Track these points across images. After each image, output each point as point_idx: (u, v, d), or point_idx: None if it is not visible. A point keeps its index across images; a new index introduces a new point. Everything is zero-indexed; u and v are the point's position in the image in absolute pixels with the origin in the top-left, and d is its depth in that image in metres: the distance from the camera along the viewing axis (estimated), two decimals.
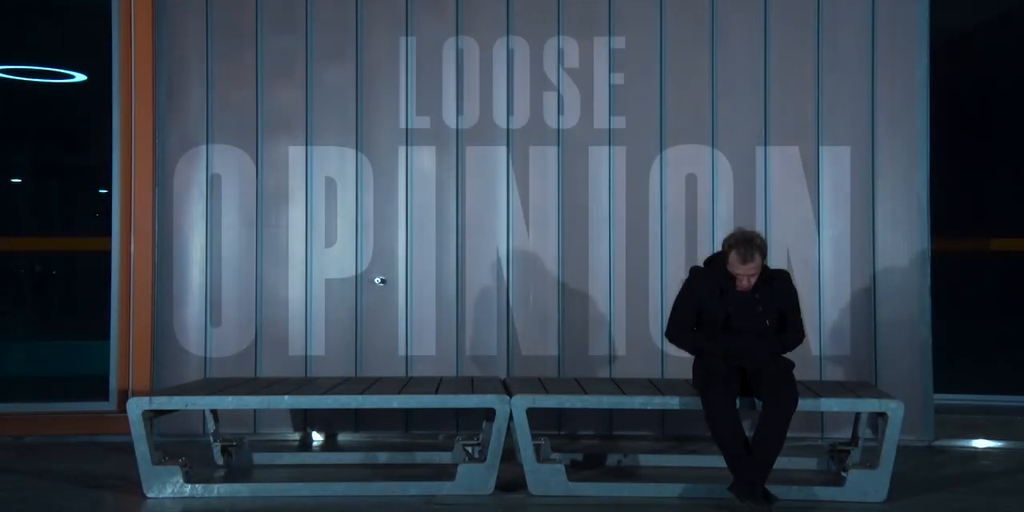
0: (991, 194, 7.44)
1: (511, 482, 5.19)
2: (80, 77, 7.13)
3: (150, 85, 6.57)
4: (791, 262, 6.34)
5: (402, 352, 6.48)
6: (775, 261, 5.93)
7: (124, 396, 6.22)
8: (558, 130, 6.53)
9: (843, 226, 6.43)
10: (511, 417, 5.04)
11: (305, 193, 6.55)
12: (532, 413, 5.10)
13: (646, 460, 5.74)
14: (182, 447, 5.89)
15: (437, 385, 5.47)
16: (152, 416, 5.05)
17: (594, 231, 6.50)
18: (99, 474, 5.51)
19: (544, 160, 6.53)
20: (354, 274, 6.52)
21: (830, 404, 5.04)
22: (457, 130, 6.54)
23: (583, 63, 6.54)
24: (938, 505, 4.90)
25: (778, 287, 5.00)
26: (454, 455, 5.66)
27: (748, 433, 4.92)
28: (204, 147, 6.55)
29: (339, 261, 6.53)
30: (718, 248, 5.16)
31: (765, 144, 6.48)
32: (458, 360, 6.48)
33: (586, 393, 5.20)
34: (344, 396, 5.12)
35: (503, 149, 6.53)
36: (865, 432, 5.51)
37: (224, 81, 6.56)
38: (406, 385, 5.48)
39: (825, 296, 6.41)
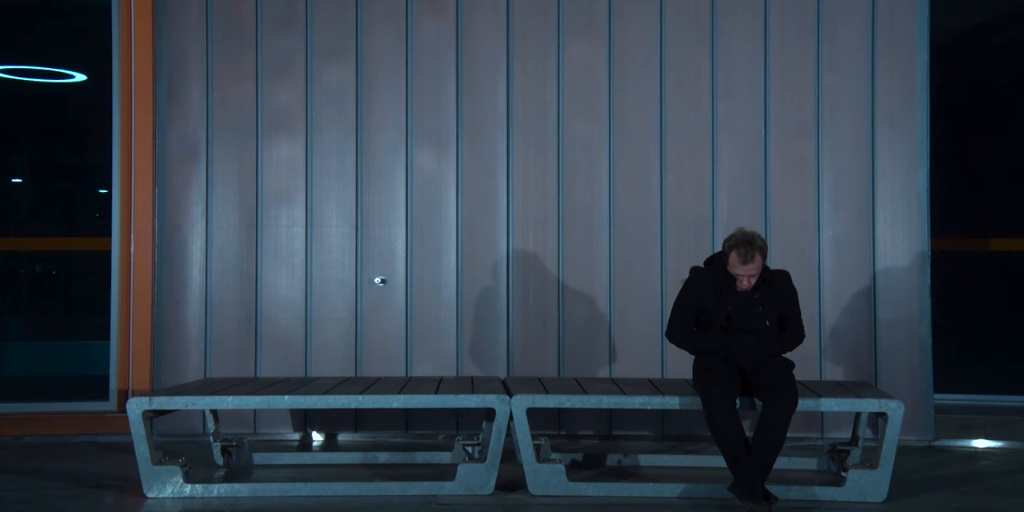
0: (991, 194, 7.44)
1: (511, 482, 5.19)
2: (80, 77, 7.13)
3: (150, 85, 6.58)
4: (791, 262, 6.33)
5: (402, 352, 6.49)
6: (775, 261, 5.93)
7: (124, 396, 6.23)
8: (558, 130, 6.53)
9: (843, 226, 6.44)
10: (511, 417, 5.05)
11: (305, 193, 6.55)
12: (532, 413, 5.10)
13: (646, 460, 5.74)
14: (182, 447, 5.90)
15: (437, 385, 5.47)
16: (152, 416, 5.05)
17: (594, 231, 6.50)
18: (99, 474, 5.51)
19: (544, 160, 6.53)
20: (354, 274, 6.52)
21: (830, 404, 5.04)
22: (457, 130, 6.55)
23: (583, 63, 6.54)
24: (938, 505, 4.90)
25: (778, 287, 5.00)
26: (454, 455, 5.67)
27: (748, 433, 4.92)
28: (204, 147, 6.55)
29: (339, 261, 6.53)
30: (718, 248, 5.16)
31: (765, 144, 6.48)
32: (458, 360, 6.48)
33: (586, 393, 5.20)
34: (344, 396, 5.12)
35: (503, 149, 6.53)
36: (865, 432, 5.52)
37: (224, 81, 6.56)
38: (406, 385, 5.48)
39: (825, 296, 6.41)
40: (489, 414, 5.24)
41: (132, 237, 6.58)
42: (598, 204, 6.51)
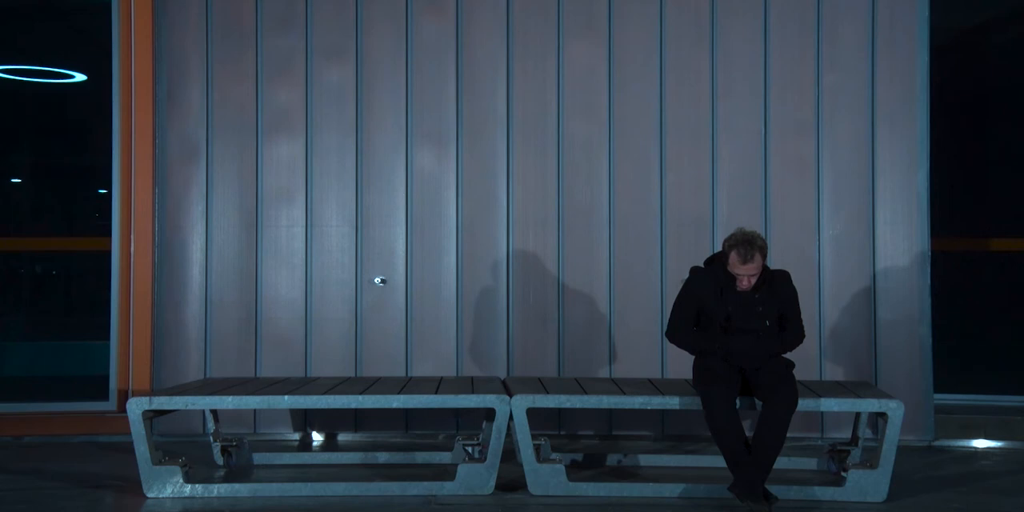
0: (991, 194, 7.44)
1: (511, 482, 5.19)
2: (80, 77, 7.13)
3: (150, 85, 6.58)
4: (791, 262, 6.33)
5: (402, 352, 6.49)
6: (775, 261, 5.93)
7: (124, 396, 6.23)
8: (558, 130, 6.53)
9: (843, 226, 6.44)
10: (511, 417, 5.05)
11: (305, 193, 6.55)
12: (532, 413, 5.10)
13: (646, 460, 5.74)
14: (182, 447, 5.90)
15: (437, 385, 5.47)
16: (152, 416, 5.05)
17: (594, 231, 6.50)
18: (99, 474, 5.51)
19: (544, 160, 6.53)
20: (354, 274, 6.52)
21: (830, 404, 5.04)
22: (457, 130, 6.55)
23: (583, 63, 6.54)
24: (938, 505, 4.90)
25: (778, 287, 4.99)
26: (454, 455, 5.67)
27: (748, 433, 4.92)
28: (204, 147, 6.55)
29: (339, 261, 6.53)
30: (718, 248, 5.16)
31: (765, 144, 6.48)
32: (458, 360, 6.48)
33: (586, 393, 5.20)
34: (344, 396, 5.12)
35: (503, 149, 6.53)
36: (865, 432, 5.52)
37: (224, 81, 6.56)
38: (406, 385, 5.48)
39: (825, 296, 6.41)
40: (489, 414, 5.24)
41: (132, 237, 6.58)
42: (598, 204, 6.51)
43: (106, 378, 6.59)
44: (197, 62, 6.56)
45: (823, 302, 6.40)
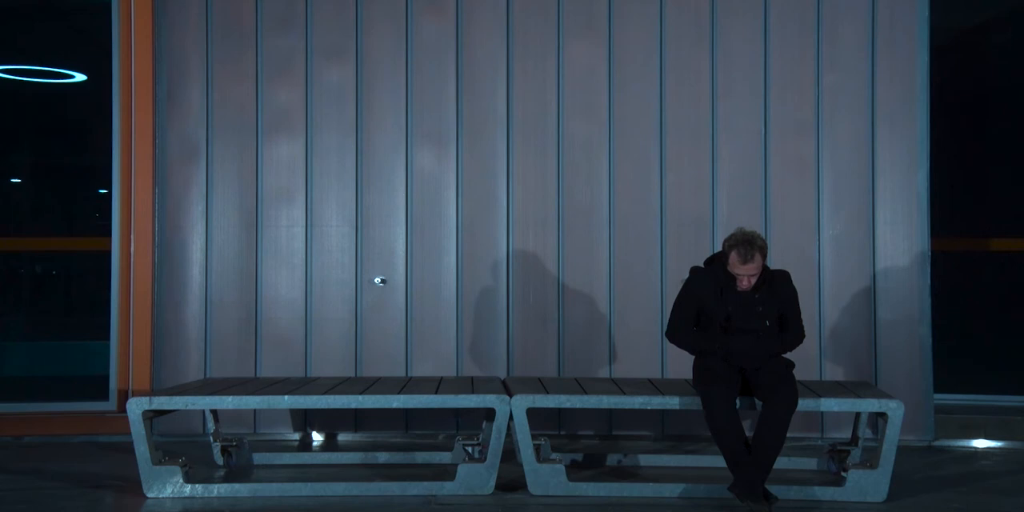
0: (991, 194, 7.44)
1: (511, 482, 5.19)
2: (80, 77, 7.13)
3: (150, 85, 6.58)
4: (791, 262, 6.33)
5: (402, 352, 6.49)
6: (775, 261, 5.93)
7: (124, 396, 6.23)
8: (558, 130, 6.53)
9: (843, 226, 6.44)
10: (511, 417, 5.05)
11: (305, 193, 6.55)
12: (532, 413, 5.10)
13: (646, 460, 5.74)
14: (182, 447, 5.90)
15: (437, 385, 5.47)
16: (152, 416, 5.05)
17: (594, 231, 6.50)
18: (99, 474, 5.51)
19: (544, 160, 6.53)
20: (354, 274, 6.52)
21: (830, 404, 5.04)
22: (457, 130, 6.55)
23: (583, 63, 6.54)
24: (938, 505, 4.90)
25: (778, 287, 5.00)
26: (454, 455, 5.67)
27: (748, 433, 4.92)
28: (204, 147, 6.55)
29: (339, 261, 6.53)
30: (718, 248, 5.16)
31: (765, 144, 6.48)
32: (458, 360, 6.48)
33: (586, 393, 5.20)
34: (344, 396, 5.12)
35: (503, 149, 6.53)
36: (865, 432, 5.52)
37: (224, 81, 6.56)
38: (406, 385, 5.48)
39: (825, 296, 6.41)
40: (489, 414, 5.24)
41: (132, 237, 6.59)
42: (598, 204, 6.51)
43: (106, 378, 6.60)
44: (197, 62, 6.56)
45: (823, 302, 6.40)
